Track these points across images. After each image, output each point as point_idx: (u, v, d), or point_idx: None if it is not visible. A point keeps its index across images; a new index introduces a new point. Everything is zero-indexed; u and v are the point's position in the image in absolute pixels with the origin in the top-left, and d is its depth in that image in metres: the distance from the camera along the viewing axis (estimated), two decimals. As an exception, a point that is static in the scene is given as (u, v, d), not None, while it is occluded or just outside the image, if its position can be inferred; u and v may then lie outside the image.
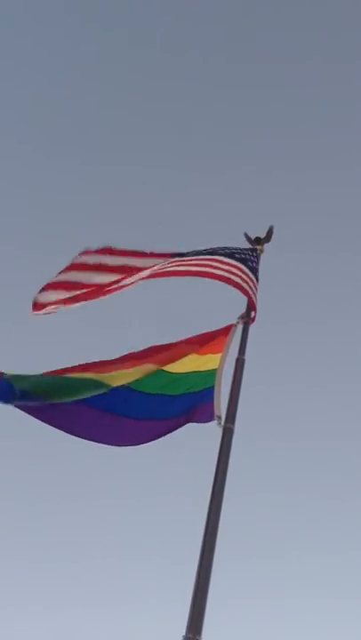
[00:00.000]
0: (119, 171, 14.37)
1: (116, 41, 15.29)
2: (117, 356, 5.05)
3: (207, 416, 4.86)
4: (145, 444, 4.98)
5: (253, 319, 5.31)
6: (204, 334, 5.24)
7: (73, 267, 5.02)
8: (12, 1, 15.13)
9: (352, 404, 12.21)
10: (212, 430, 4.74)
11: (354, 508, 11.13)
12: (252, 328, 5.30)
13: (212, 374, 5.00)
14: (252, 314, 5.32)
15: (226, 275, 5.32)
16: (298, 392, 12.52)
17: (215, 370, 4.99)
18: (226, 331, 5.17)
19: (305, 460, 12.01)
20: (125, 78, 15.34)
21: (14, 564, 10.84)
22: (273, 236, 6.04)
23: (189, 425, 5.16)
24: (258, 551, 10.82)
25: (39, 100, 15.14)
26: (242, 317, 5.27)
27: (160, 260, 5.16)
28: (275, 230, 6.07)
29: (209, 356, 5.11)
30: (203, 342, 5.17)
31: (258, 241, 5.93)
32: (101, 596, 10.76)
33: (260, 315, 5.45)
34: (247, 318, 5.25)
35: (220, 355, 5.02)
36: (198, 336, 5.24)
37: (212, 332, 5.25)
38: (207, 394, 4.93)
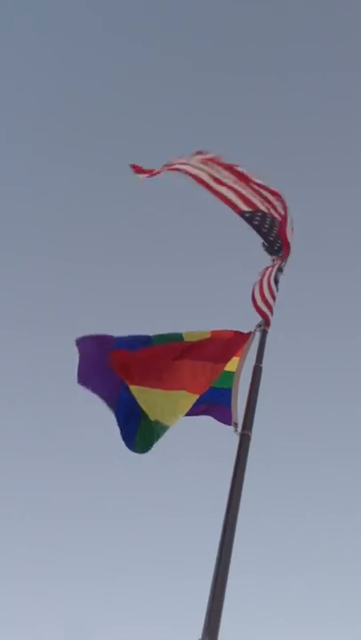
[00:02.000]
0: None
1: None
2: None
3: (226, 418, 4.94)
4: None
5: (269, 324, 5.38)
6: (226, 339, 5.28)
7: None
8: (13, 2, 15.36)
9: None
10: (230, 436, 4.81)
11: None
12: (270, 337, 5.37)
13: (230, 376, 5.07)
14: (269, 320, 5.41)
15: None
16: (314, 405, 12.53)
17: (233, 373, 5.06)
18: (245, 337, 5.23)
19: (321, 468, 12.01)
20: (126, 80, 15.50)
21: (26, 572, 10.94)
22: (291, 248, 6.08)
23: (206, 432, 5.22)
24: (277, 556, 10.83)
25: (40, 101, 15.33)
26: (259, 325, 5.31)
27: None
28: (293, 242, 6.10)
29: (233, 358, 5.17)
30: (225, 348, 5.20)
31: (276, 252, 5.97)
32: (117, 597, 10.80)
33: (277, 324, 5.51)
34: (265, 326, 5.30)
35: (239, 358, 5.09)
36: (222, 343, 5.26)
37: (233, 334, 5.30)
38: (225, 394, 5.00)
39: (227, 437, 4.85)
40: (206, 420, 5.18)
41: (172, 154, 6.02)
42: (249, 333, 5.26)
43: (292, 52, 15.87)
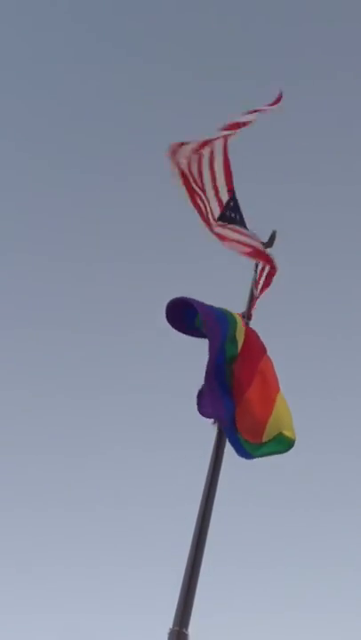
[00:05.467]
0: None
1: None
2: None
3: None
4: None
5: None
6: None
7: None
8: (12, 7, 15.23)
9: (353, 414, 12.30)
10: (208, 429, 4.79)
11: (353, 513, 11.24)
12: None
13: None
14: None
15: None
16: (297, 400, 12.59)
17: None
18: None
19: (304, 462, 12.10)
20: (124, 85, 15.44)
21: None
22: (275, 242, 6.04)
23: (185, 424, 5.14)
24: (248, 549, 10.90)
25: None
26: (242, 316, 5.25)
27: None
28: (277, 235, 6.07)
29: None
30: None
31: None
32: (89, 587, 10.80)
33: (258, 317, 5.50)
34: (247, 320, 5.26)
35: None
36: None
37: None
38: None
39: (204, 428, 4.85)
40: (185, 411, 5.11)
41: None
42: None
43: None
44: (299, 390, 12.92)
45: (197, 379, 4.82)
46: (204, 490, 4.39)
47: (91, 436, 12.67)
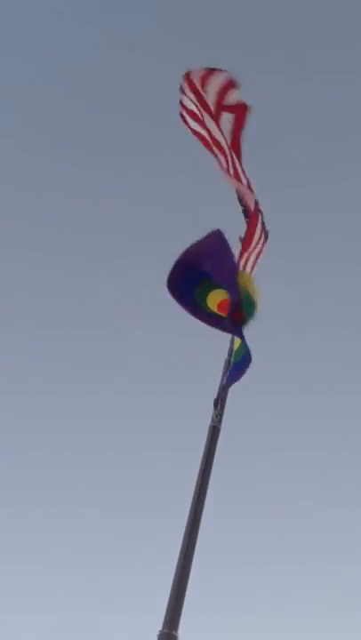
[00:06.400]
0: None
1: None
2: None
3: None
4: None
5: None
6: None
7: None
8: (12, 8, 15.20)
9: (344, 411, 12.29)
10: (200, 429, 4.78)
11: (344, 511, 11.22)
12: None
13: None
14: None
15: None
16: (290, 398, 12.60)
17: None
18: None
19: (298, 463, 12.09)
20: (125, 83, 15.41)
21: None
22: (269, 241, 6.04)
23: (181, 424, 5.15)
24: (236, 552, 10.91)
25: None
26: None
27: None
28: (271, 235, 6.07)
29: None
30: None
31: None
32: (79, 590, 10.81)
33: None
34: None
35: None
36: None
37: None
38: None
39: (200, 428, 4.84)
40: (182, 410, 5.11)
41: (170, 153, 5.87)
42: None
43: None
44: (298, 388, 12.97)
45: (195, 378, 4.82)
46: (195, 490, 4.37)
47: (91, 436, 12.68)
